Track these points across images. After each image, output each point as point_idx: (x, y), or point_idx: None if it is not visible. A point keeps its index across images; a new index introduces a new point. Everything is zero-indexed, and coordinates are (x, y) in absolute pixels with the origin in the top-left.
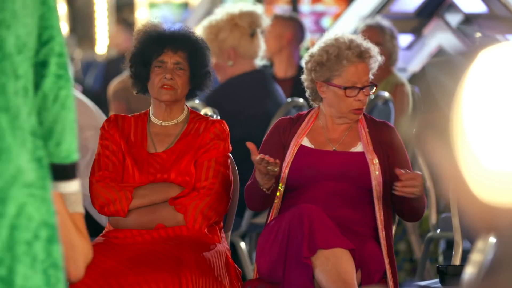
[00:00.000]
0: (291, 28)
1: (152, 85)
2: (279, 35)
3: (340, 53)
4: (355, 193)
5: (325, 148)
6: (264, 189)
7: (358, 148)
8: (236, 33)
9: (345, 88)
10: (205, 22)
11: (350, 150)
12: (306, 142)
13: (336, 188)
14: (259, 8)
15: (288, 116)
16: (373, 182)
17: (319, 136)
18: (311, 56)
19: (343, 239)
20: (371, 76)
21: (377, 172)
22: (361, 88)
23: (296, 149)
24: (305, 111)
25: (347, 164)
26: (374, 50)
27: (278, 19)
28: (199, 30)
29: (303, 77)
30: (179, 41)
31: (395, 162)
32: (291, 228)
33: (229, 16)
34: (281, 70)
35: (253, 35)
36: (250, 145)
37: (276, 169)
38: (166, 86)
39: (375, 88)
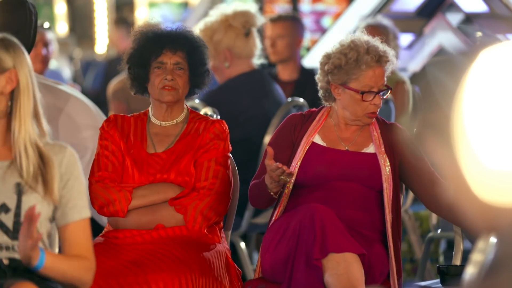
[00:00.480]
0: (300, 31)
1: (152, 86)
2: (293, 42)
3: (359, 58)
4: (365, 194)
5: (338, 147)
6: (272, 193)
7: (370, 149)
8: (231, 33)
9: (362, 93)
10: (201, 24)
11: (362, 151)
12: (318, 139)
13: (346, 188)
14: (253, 7)
15: (299, 112)
16: (384, 184)
17: (331, 134)
18: (328, 57)
19: (354, 243)
20: (385, 80)
21: (388, 174)
22: (377, 92)
23: (307, 146)
24: (315, 109)
25: (359, 164)
26: (390, 53)
27: (288, 23)
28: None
29: (318, 77)
30: (178, 41)
31: (413, 162)
32: (301, 228)
33: (223, 17)
34: (287, 73)
35: (247, 34)
36: (269, 149)
37: (288, 179)
38: (167, 87)
39: (389, 91)
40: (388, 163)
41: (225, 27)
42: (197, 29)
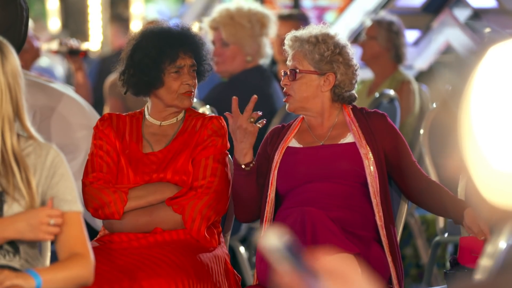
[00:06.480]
0: None
1: (169, 91)
2: None
3: None
4: (349, 190)
5: (313, 145)
6: (243, 166)
7: (348, 138)
8: (265, 39)
9: None
10: (244, 4)
11: (339, 142)
12: (294, 143)
13: (330, 187)
14: (273, 17)
15: (281, 124)
16: (369, 178)
17: (307, 136)
18: None
19: (347, 243)
20: None
21: (372, 168)
22: None
23: (283, 150)
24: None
25: (337, 155)
26: None
27: (300, 22)
28: (232, 4)
29: None
30: (190, 42)
31: (395, 150)
32: (293, 233)
33: (262, 18)
34: None
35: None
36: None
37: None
38: (188, 93)
39: None
40: (371, 155)
41: (261, 28)
42: (234, 4)
